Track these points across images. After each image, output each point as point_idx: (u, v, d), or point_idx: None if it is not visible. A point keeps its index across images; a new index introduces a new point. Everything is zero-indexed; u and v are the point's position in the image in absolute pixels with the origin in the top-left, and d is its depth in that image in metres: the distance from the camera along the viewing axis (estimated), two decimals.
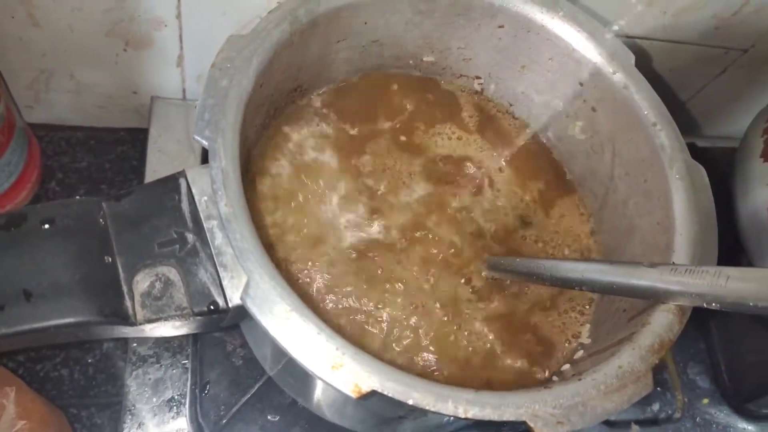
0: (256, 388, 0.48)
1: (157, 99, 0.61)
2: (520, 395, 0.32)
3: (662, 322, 0.36)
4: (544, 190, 0.48)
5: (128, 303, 0.30)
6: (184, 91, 0.64)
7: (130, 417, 0.47)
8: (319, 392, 0.44)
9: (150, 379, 0.49)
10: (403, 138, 0.47)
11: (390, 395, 0.30)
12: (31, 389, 0.48)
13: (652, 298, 0.37)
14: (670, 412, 0.59)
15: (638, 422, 0.58)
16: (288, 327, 0.30)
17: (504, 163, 0.49)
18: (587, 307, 0.45)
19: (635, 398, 0.34)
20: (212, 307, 0.32)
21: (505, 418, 0.31)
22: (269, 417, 0.48)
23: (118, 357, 0.57)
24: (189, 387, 0.49)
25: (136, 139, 0.69)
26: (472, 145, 0.49)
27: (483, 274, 0.44)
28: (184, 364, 0.49)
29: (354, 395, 0.30)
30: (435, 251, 0.43)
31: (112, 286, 0.30)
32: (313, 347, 0.30)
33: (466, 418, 0.30)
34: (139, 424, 0.47)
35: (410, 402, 0.30)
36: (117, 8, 0.54)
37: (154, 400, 0.48)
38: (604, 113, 0.46)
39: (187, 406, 0.48)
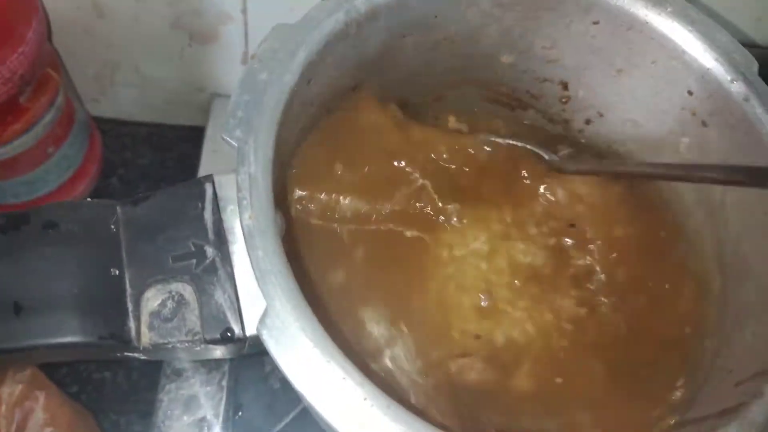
0: (291, 416, 0.44)
1: (217, 97, 0.58)
2: None
3: None
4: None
5: (132, 324, 0.27)
6: None
7: None
8: None
9: (183, 395, 0.45)
10: None
11: None
12: (62, 393, 0.46)
13: None
14: None
15: None
16: (308, 370, 0.25)
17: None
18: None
19: None
20: (228, 335, 0.27)
21: None
22: None
23: (164, 363, 0.54)
24: (223, 407, 0.45)
25: (200, 137, 0.67)
26: None
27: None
28: (220, 381, 0.46)
29: None
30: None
31: (115, 303, 0.26)
32: (337, 395, 0.25)
33: None
34: None
35: None
36: (182, 0, 0.52)
37: (185, 418, 0.44)
38: (717, 129, 0.38)
39: (218, 428, 0.44)
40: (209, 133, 0.55)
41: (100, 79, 0.61)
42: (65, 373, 0.57)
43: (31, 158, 0.52)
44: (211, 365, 0.46)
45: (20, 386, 0.44)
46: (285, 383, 0.46)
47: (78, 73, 0.60)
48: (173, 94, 0.63)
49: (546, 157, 0.43)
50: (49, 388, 0.45)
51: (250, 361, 0.46)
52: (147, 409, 0.57)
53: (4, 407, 0.43)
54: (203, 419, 0.44)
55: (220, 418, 0.44)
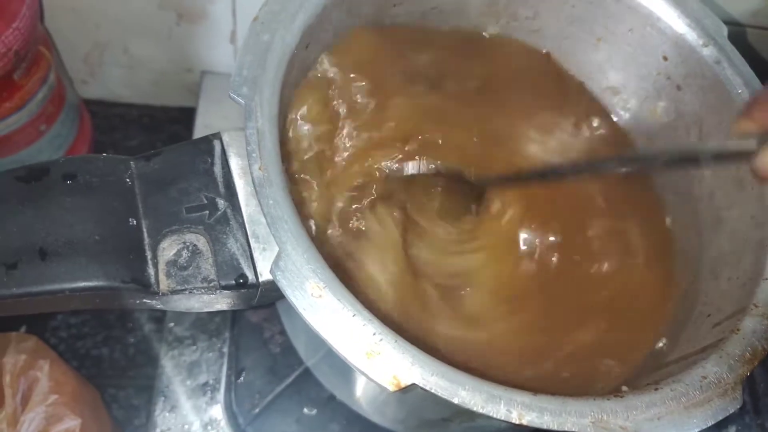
0: (292, 378, 0.45)
1: (207, 74, 0.59)
2: (586, 402, 0.28)
3: (755, 329, 0.32)
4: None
5: (151, 270, 0.28)
6: None
7: (163, 399, 0.45)
8: (357, 387, 0.41)
9: (185, 361, 0.46)
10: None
11: (433, 391, 0.26)
12: (66, 363, 0.47)
13: None
14: None
15: None
16: (320, 306, 0.27)
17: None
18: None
19: (721, 415, 0.29)
20: (241, 281, 0.29)
21: (566, 428, 0.27)
22: (306, 410, 0.45)
23: (159, 339, 0.55)
24: (224, 372, 0.46)
25: (190, 118, 0.68)
26: None
27: None
28: (221, 347, 0.47)
29: (391, 388, 0.26)
30: None
31: (134, 250, 0.28)
32: (348, 331, 0.26)
33: (520, 425, 0.26)
34: (172, 407, 0.45)
35: (456, 401, 0.26)
36: None
37: (189, 383, 0.46)
38: (691, 92, 0.41)
39: (221, 392, 0.46)
40: (202, 108, 0.56)
41: (89, 60, 0.61)
42: (64, 350, 0.57)
43: (25, 136, 0.52)
44: (211, 332, 0.47)
45: (24, 356, 0.45)
46: (285, 348, 0.47)
47: (67, 54, 0.60)
48: (162, 74, 0.64)
49: None
50: (53, 357, 0.46)
51: (250, 327, 0.48)
52: (145, 384, 0.58)
53: (8, 377, 0.44)
54: (206, 384, 0.46)
55: (223, 383, 0.46)
